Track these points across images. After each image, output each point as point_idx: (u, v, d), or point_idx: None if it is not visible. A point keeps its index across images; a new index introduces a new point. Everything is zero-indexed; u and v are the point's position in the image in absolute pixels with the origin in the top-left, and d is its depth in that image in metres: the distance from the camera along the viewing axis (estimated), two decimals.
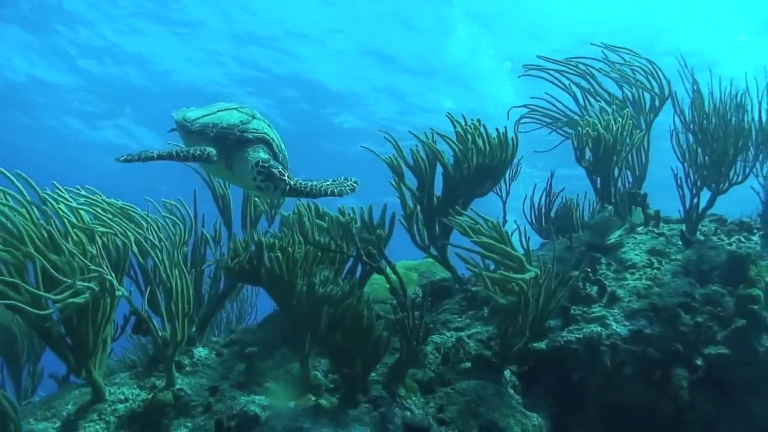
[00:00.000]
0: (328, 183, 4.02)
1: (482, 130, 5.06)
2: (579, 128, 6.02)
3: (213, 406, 3.68)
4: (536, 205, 6.79)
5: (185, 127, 3.90)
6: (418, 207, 5.14)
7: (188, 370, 4.09)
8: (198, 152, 3.66)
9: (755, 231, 6.51)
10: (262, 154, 3.73)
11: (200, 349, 4.31)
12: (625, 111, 6.07)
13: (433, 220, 5.15)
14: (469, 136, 5.01)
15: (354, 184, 4.12)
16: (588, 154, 6.10)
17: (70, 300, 3.31)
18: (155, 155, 3.59)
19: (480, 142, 4.99)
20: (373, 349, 3.53)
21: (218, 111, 3.94)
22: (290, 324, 3.81)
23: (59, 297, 3.28)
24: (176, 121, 4.04)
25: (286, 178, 3.59)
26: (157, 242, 3.87)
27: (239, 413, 3.46)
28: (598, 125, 5.76)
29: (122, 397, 3.79)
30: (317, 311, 3.53)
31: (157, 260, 3.84)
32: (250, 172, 3.62)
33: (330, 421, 3.39)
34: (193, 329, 4.31)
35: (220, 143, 3.76)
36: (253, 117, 3.94)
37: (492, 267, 4.29)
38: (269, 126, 3.99)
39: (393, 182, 5.01)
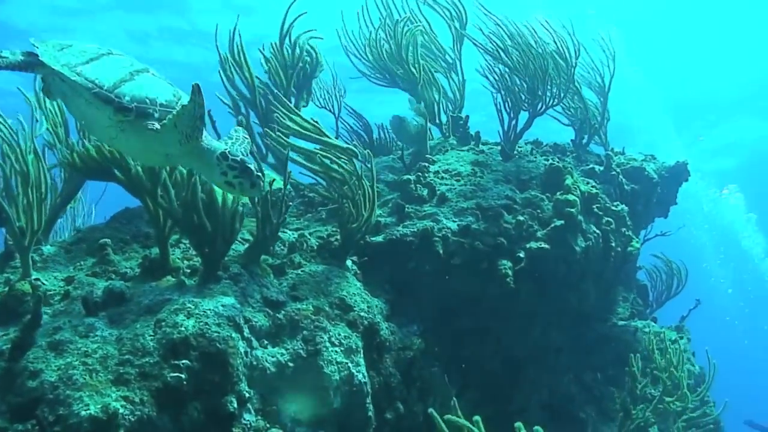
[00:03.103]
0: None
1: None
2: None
3: (72, 293, 3.96)
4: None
5: (103, 96, 3.14)
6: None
7: (39, 265, 4.36)
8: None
9: (568, 153, 7.72)
10: (216, 142, 3.43)
11: (48, 247, 4.62)
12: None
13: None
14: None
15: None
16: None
17: None
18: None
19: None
20: (230, 222, 4.08)
21: (131, 73, 3.32)
22: (147, 208, 4.21)
23: None
24: (73, 79, 3.15)
25: (260, 173, 3.35)
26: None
27: (105, 290, 3.84)
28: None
29: None
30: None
31: (13, 145, 4.06)
32: (216, 166, 3.33)
33: (196, 294, 3.87)
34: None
35: None
36: (172, 86, 3.47)
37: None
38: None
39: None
